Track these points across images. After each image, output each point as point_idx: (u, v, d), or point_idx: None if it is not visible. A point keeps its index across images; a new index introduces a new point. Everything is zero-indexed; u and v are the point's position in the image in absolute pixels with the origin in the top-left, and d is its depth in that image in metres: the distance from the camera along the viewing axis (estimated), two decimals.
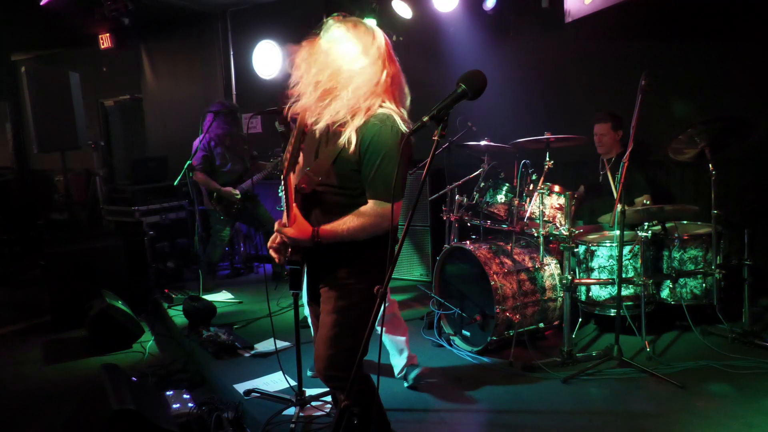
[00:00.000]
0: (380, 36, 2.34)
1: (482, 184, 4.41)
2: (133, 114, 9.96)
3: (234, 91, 8.15)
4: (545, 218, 4.15)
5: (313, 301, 2.57)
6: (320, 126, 2.35)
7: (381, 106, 2.30)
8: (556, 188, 4.18)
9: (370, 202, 2.29)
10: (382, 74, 2.29)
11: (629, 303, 4.20)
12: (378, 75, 2.29)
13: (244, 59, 7.93)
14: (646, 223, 4.12)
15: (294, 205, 2.36)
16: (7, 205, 9.25)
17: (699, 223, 4.59)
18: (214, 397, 3.67)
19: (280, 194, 4.47)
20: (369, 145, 2.26)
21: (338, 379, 2.33)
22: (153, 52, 9.15)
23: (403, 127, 2.26)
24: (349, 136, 2.27)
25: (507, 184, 4.36)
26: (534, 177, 4.28)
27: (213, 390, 3.96)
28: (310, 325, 2.70)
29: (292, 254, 2.41)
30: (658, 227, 4.29)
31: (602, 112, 4.84)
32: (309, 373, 3.90)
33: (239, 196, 5.93)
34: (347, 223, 2.28)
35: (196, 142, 5.94)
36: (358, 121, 2.27)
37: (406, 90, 2.40)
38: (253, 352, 4.42)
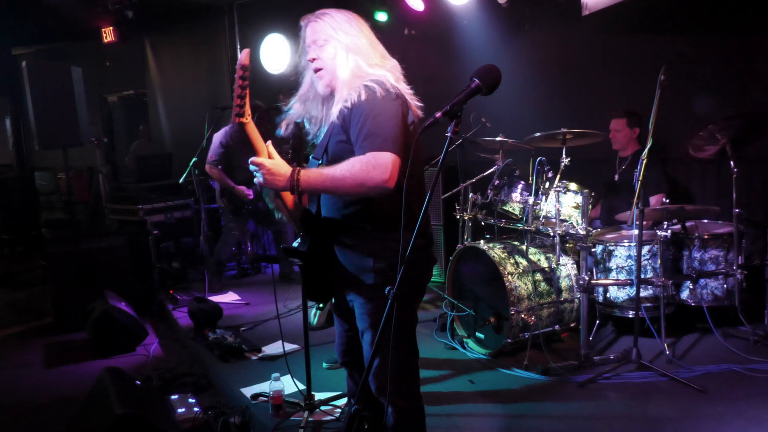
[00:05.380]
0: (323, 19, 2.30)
1: (497, 181, 4.35)
2: (137, 110, 9.89)
3: None
4: (561, 217, 4.08)
5: (339, 306, 2.51)
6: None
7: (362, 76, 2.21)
8: (573, 186, 4.12)
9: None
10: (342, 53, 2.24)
11: (648, 304, 4.15)
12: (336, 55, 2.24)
13: (251, 53, 7.83)
14: (666, 222, 4.05)
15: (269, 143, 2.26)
16: (7, 204, 9.20)
17: (720, 222, 4.52)
18: (220, 401, 3.66)
19: None
20: (354, 107, 2.14)
21: (393, 393, 2.25)
22: (157, 46, 9.10)
23: (396, 84, 2.20)
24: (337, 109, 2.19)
25: (522, 182, 4.30)
26: (550, 174, 4.20)
27: (219, 394, 3.93)
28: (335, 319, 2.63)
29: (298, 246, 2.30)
30: (678, 226, 4.22)
31: (620, 108, 4.78)
32: (325, 365, 4.03)
33: (251, 198, 5.87)
34: (333, 168, 2.11)
35: (219, 136, 5.82)
36: (343, 93, 2.20)
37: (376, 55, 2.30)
38: (260, 355, 4.37)
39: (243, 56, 2.12)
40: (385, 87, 2.15)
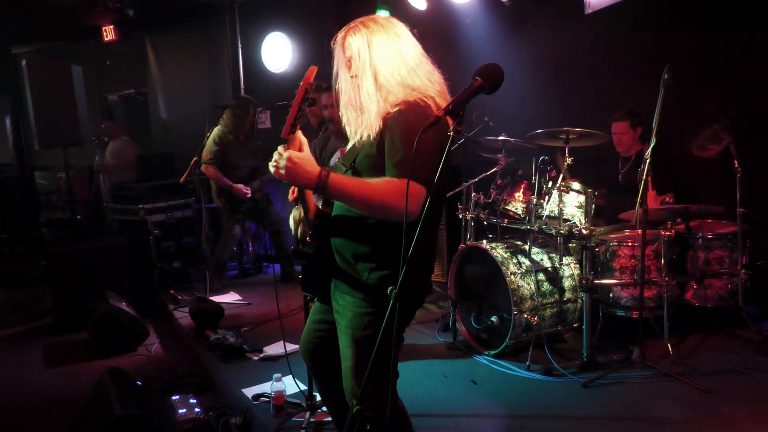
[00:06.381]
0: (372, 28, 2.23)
1: (499, 181, 4.34)
2: (137, 109, 9.87)
3: (242, 85, 8.06)
4: (564, 216, 4.06)
5: (323, 301, 2.46)
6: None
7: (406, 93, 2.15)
8: (576, 185, 4.08)
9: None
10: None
11: (652, 305, 4.12)
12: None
13: (252, 52, 7.86)
14: (670, 222, 4.02)
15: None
16: (7, 204, 9.17)
17: (724, 221, 4.49)
18: (221, 401, 3.64)
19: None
20: (391, 122, 2.09)
21: (374, 411, 2.17)
22: (158, 45, 9.08)
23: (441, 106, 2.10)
24: (374, 125, 2.12)
25: (525, 182, 4.28)
26: (553, 174, 4.17)
27: (220, 395, 3.91)
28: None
29: (305, 245, 2.26)
30: (682, 226, 4.19)
31: (620, 110, 4.75)
32: None
33: (250, 195, 5.86)
34: (366, 181, 2.05)
35: (213, 134, 5.86)
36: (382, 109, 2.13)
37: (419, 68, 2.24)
38: (261, 355, 4.37)
39: (310, 74, 2.09)
40: (430, 112, 2.07)
